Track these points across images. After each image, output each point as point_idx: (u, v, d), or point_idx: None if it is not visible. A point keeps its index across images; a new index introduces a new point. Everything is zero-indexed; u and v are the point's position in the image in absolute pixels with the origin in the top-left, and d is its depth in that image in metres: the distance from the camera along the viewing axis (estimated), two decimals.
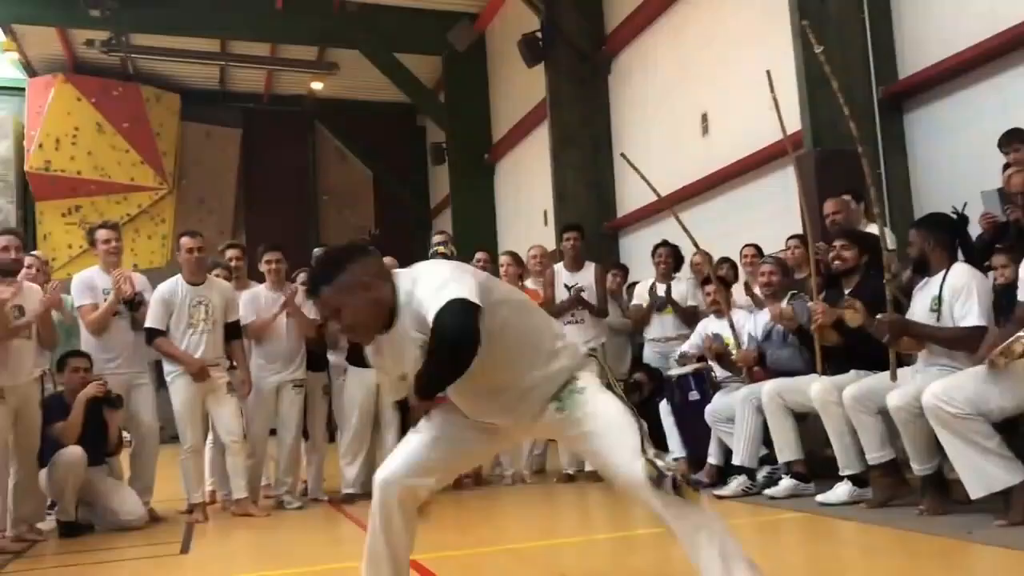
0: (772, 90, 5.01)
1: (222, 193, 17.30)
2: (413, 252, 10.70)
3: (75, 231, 15.41)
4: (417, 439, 2.62)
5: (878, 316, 4.11)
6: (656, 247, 6.88)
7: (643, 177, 5.54)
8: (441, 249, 6.51)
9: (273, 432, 6.03)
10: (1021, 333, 3.40)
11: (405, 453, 2.62)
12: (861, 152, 4.46)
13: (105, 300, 5.50)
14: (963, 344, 3.92)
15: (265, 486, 6.22)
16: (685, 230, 5.41)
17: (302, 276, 6.24)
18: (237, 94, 17.52)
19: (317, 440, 6.24)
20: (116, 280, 5.49)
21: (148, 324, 5.49)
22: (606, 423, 2.42)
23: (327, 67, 16.02)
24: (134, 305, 5.57)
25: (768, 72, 5.15)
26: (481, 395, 2.53)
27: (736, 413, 5.00)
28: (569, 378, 2.51)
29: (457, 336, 2.26)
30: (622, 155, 5.81)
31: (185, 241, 5.65)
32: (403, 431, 2.78)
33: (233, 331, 5.74)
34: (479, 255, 6.94)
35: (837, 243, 4.78)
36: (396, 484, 2.59)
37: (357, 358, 5.94)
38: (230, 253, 6.56)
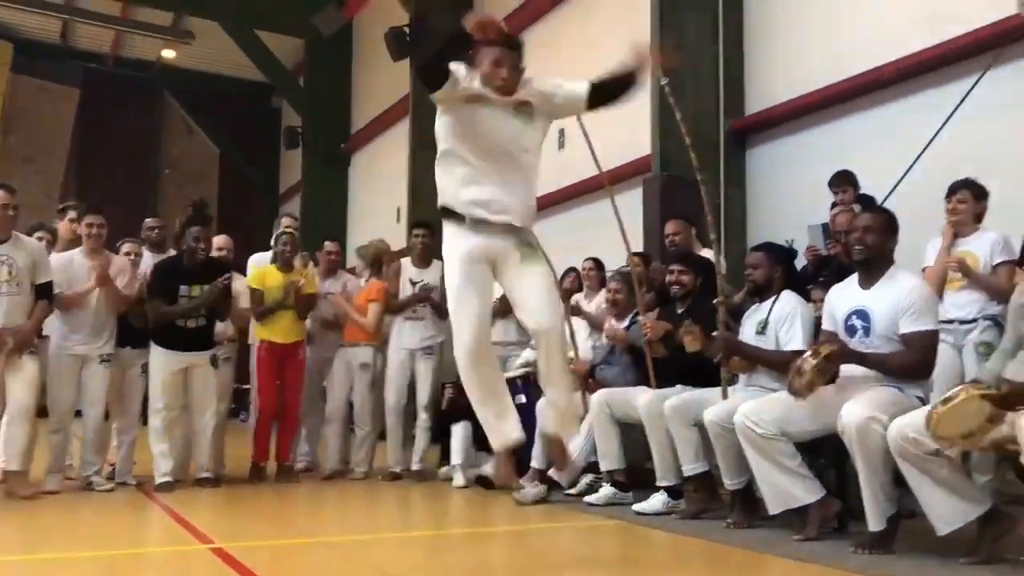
0: (583, 128, 4.99)
1: (53, 154, 16.19)
2: (257, 237, 10.37)
3: None
4: None
5: (713, 334, 4.28)
6: None
7: None
8: (289, 230, 6.31)
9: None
10: (807, 354, 3.58)
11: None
12: (701, 180, 4.61)
13: None
14: (786, 367, 4.10)
15: (68, 466, 5.81)
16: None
17: (127, 246, 5.92)
18: (80, 52, 16.47)
19: (131, 421, 5.89)
20: None
21: None
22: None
23: (182, 35, 15.27)
24: None
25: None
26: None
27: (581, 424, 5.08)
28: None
29: None
30: None
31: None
32: None
33: (40, 292, 5.31)
34: (328, 245, 6.78)
35: (675, 268, 4.93)
36: None
37: (162, 338, 5.62)
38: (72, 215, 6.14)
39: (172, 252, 6.13)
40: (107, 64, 16.72)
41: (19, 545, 4.05)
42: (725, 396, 4.23)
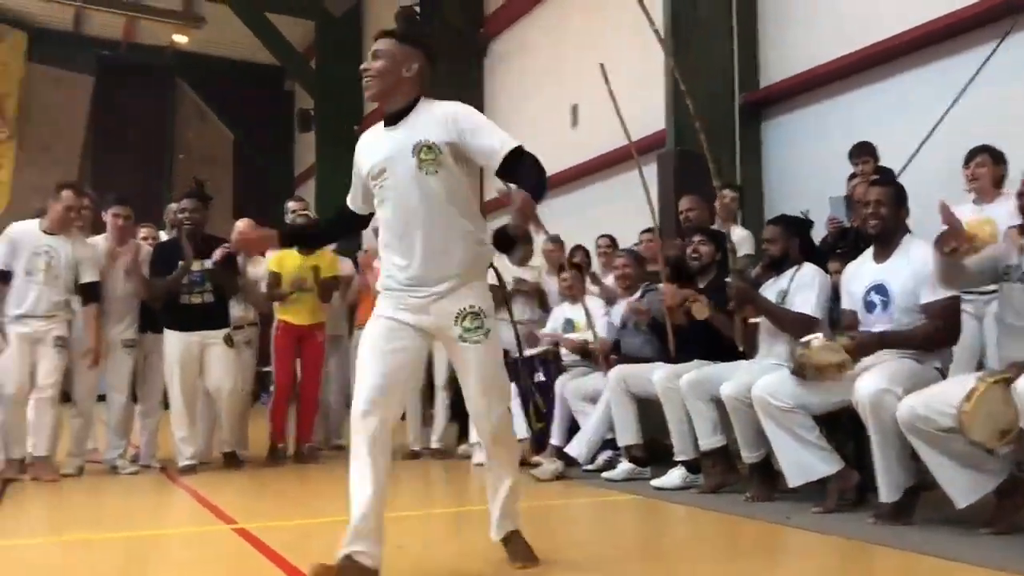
0: (607, 83, 5.00)
1: (69, 142, 16.29)
2: (273, 220, 10.40)
3: None
4: None
5: (727, 279, 4.26)
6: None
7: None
8: (301, 213, 6.35)
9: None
10: (810, 337, 3.60)
11: None
12: (711, 158, 4.59)
13: None
14: (793, 327, 4.06)
15: (92, 450, 5.91)
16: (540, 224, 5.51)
17: (144, 230, 6.03)
18: (92, 39, 16.52)
19: (153, 405, 5.95)
20: None
21: None
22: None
23: (193, 20, 15.30)
24: None
25: (602, 65, 5.17)
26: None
27: (600, 401, 5.11)
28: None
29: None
30: None
31: (67, 195, 5.39)
32: None
33: (85, 293, 5.46)
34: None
35: (695, 238, 4.91)
36: None
37: (172, 318, 5.63)
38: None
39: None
40: (120, 50, 16.75)
41: (46, 527, 4.13)
42: (740, 343, 4.26)
